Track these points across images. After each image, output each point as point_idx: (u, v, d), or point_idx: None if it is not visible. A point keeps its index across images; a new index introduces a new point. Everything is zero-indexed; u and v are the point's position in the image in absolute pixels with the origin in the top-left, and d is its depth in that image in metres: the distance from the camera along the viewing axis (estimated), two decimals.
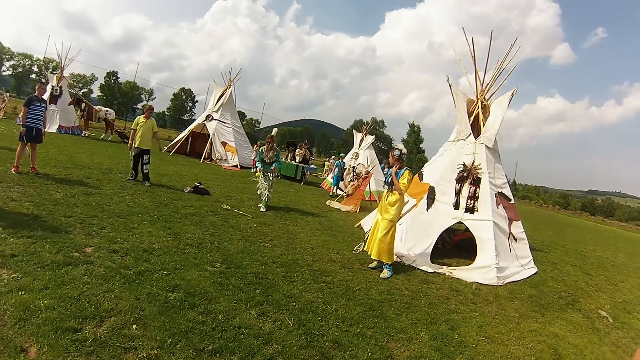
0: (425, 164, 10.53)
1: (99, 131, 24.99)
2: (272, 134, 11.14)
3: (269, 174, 10.53)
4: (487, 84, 9.47)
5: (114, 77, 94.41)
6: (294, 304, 4.67)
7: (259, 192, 10.70)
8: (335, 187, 17.19)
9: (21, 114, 8.94)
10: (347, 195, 14.40)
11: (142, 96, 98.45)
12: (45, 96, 18.83)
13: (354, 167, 18.37)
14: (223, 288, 4.74)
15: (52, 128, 19.36)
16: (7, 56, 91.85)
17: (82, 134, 22.08)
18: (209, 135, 21.44)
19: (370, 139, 19.72)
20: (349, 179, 17.58)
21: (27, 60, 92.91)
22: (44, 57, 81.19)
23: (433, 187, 8.61)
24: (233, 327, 3.88)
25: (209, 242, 6.46)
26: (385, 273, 6.62)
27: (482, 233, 8.01)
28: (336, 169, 18.15)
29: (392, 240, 6.83)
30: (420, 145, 71.60)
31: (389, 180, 6.98)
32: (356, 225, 10.50)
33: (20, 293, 3.69)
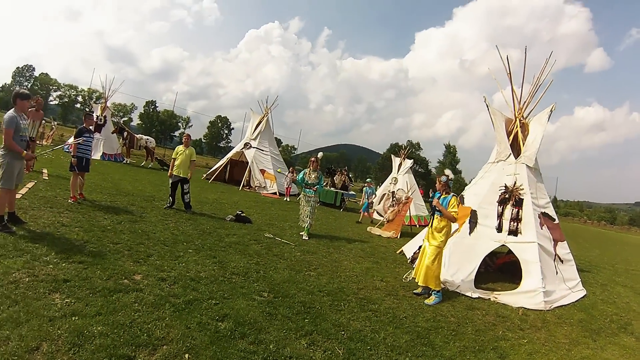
0: (466, 187, 10.48)
1: (140, 158, 25.72)
2: (318, 156, 11.27)
3: (310, 199, 10.58)
4: (525, 101, 9.41)
5: (153, 106, 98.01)
6: (343, 332, 4.68)
7: (300, 219, 10.79)
8: (364, 212, 17.07)
9: (72, 144, 9.23)
10: (388, 221, 14.34)
11: (180, 124, 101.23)
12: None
13: (393, 192, 18.23)
14: (272, 317, 4.77)
15: (96, 155, 20.04)
16: (54, 87, 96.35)
17: (124, 161, 22.87)
18: (247, 162, 21.76)
19: (408, 163, 19.45)
20: (389, 204, 17.42)
21: (72, 90, 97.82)
22: (88, 88, 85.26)
23: (475, 211, 8.53)
24: (284, 357, 3.91)
25: (254, 271, 6.51)
26: (432, 299, 6.61)
27: (526, 256, 7.85)
28: (365, 195, 17.95)
29: (440, 266, 6.84)
30: (457, 166, 70.85)
31: (435, 207, 7.00)
32: (398, 252, 10.44)
33: (73, 318, 3.79)
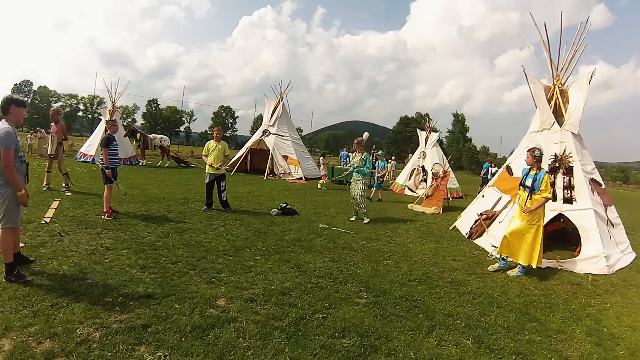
0: (510, 158, 10.60)
1: (154, 158, 25.51)
2: (363, 137, 11.20)
3: (359, 182, 10.54)
4: (562, 68, 9.42)
5: (155, 105, 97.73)
6: (458, 322, 4.77)
7: (352, 203, 10.78)
8: (378, 189, 16.12)
9: (103, 155, 8.67)
10: (427, 197, 14.46)
11: (184, 119, 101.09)
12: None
13: (422, 166, 18.35)
14: (388, 321, 4.60)
15: None
16: (54, 98, 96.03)
17: (140, 164, 22.81)
18: (267, 150, 21.64)
19: (435, 136, 19.42)
20: (419, 179, 17.54)
21: (73, 100, 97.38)
22: (88, 95, 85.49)
23: None
24: None
25: (336, 269, 6.30)
26: (516, 271, 6.88)
27: (584, 222, 8.03)
28: (377, 169, 16.57)
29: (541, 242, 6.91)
30: (467, 134, 70.42)
31: (526, 183, 6.93)
32: (451, 228, 10.61)
33: None
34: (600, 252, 7.61)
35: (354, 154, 10.68)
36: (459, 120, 71.38)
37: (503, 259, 7.09)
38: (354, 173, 10.66)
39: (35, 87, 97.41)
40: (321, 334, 4.10)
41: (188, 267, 5.78)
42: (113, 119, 14.50)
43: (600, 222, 8.12)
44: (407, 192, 18.69)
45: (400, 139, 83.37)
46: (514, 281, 6.60)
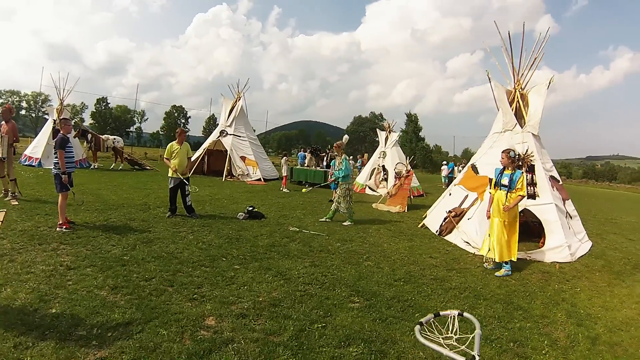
0: (475, 158, 10.99)
1: (106, 161, 24.42)
2: (343, 140, 11.34)
3: (341, 186, 10.63)
4: (522, 74, 9.96)
5: (105, 103, 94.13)
6: None
7: (334, 207, 10.82)
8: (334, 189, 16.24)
9: (59, 158, 7.82)
10: (391, 196, 14.63)
11: (135, 119, 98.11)
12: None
13: (383, 166, 18.67)
14: (386, 323, 4.57)
15: None
16: None
17: (92, 167, 21.74)
18: (225, 151, 21.23)
19: (395, 136, 19.65)
20: (380, 179, 17.81)
21: (15, 96, 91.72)
22: (32, 92, 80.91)
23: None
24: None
25: (320, 275, 6.12)
26: (502, 272, 7.00)
27: (547, 216, 8.62)
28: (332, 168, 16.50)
29: (516, 236, 7.18)
30: (420, 134, 71.57)
31: (502, 182, 7.15)
32: (420, 225, 10.86)
33: None
34: (563, 242, 8.26)
35: (335, 158, 10.78)
36: (412, 120, 72.57)
37: (506, 263, 7.10)
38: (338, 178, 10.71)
39: None
40: (326, 345, 3.94)
41: (164, 283, 5.25)
42: (65, 117, 13.64)
43: (560, 215, 8.72)
44: (368, 191, 18.90)
45: (354, 139, 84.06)
46: (492, 274, 6.94)
